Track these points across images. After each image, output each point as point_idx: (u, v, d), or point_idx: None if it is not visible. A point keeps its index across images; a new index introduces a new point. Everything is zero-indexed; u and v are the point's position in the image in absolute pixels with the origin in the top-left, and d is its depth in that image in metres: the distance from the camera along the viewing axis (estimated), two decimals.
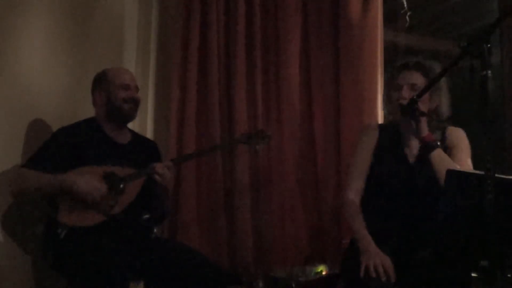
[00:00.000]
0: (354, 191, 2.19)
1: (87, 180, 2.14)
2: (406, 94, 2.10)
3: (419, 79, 2.14)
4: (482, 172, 1.36)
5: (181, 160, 2.59)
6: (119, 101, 2.33)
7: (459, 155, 2.10)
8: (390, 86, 2.21)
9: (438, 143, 2.05)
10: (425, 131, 2.04)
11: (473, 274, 1.56)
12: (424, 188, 2.07)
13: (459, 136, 2.17)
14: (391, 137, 2.22)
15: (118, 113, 2.35)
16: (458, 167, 1.98)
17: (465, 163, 2.10)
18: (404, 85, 2.13)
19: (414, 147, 2.17)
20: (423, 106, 2.05)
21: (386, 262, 1.89)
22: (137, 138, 2.52)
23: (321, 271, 2.40)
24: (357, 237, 2.06)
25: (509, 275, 1.51)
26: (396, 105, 2.13)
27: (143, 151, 2.45)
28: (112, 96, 2.34)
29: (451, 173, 1.61)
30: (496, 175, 1.37)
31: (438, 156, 2.03)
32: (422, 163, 2.10)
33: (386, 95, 2.30)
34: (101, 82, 2.38)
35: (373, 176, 2.20)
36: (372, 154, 2.21)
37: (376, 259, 1.89)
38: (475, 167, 2.10)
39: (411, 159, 2.16)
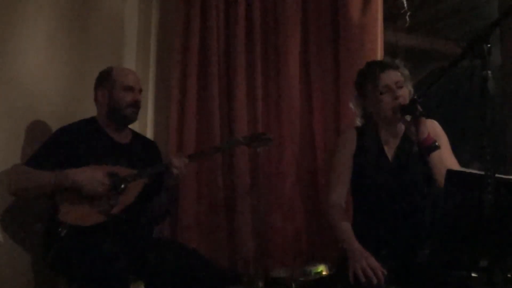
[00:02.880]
0: (338, 195, 2.15)
1: (89, 174, 2.13)
2: (400, 92, 2.08)
3: (400, 77, 2.11)
4: (482, 172, 1.36)
5: (197, 157, 2.47)
6: (123, 105, 2.33)
7: (442, 153, 2.05)
8: (373, 90, 2.12)
9: (437, 144, 2.05)
10: (425, 132, 2.03)
11: (473, 274, 1.56)
12: (406, 185, 2.07)
13: (437, 131, 2.13)
14: (369, 137, 2.17)
15: (120, 115, 2.35)
16: (458, 167, 1.98)
17: (451, 161, 2.07)
18: (392, 84, 2.09)
19: (392, 145, 2.15)
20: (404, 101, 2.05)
21: (373, 263, 1.87)
22: (138, 138, 2.52)
23: (321, 271, 2.40)
24: (341, 239, 2.04)
25: (509, 275, 1.51)
26: (386, 106, 2.08)
27: (143, 151, 2.45)
28: (114, 96, 2.33)
29: (451, 173, 1.61)
30: (496, 175, 1.37)
31: (438, 157, 2.02)
32: (402, 160, 2.10)
33: (373, 101, 2.15)
34: (105, 80, 2.37)
35: (356, 179, 2.17)
36: (353, 157, 2.17)
37: (363, 262, 1.87)
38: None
39: (391, 158, 2.14)
